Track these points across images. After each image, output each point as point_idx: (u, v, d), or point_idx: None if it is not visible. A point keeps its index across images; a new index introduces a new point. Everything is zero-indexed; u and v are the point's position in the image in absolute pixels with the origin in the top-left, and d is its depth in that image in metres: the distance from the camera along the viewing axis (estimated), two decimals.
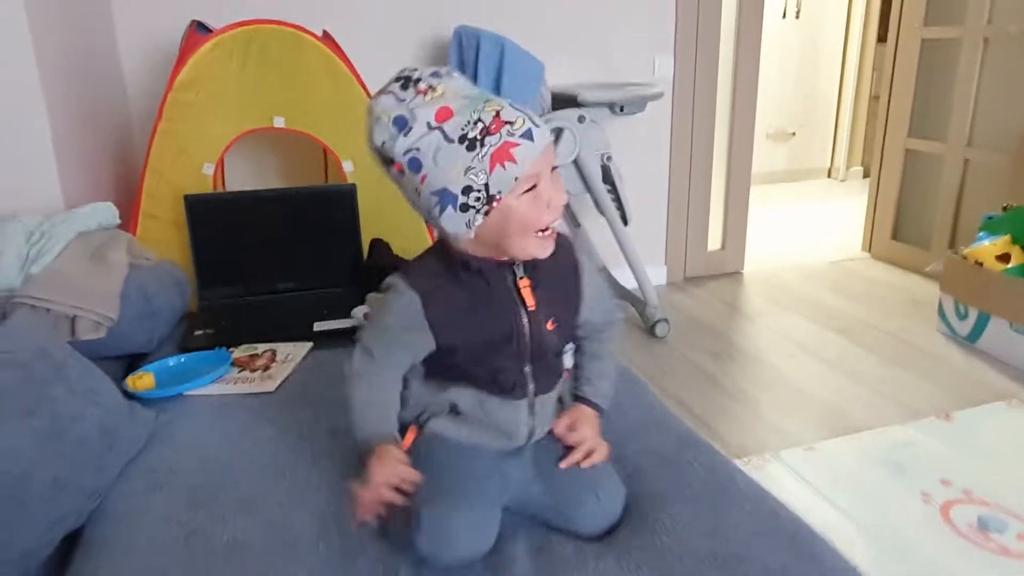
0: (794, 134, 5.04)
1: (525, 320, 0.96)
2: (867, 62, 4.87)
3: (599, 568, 0.88)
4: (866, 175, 4.96)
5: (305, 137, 2.00)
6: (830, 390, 2.24)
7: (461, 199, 0.86)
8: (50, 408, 0.99)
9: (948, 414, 2.07)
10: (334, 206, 1.86)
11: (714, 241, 3.29)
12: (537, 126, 0.87)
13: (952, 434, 1.97)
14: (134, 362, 1.53)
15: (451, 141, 0.85)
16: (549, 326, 0.98)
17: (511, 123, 0.85)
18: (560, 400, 1.09)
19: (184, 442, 1.19)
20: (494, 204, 0.86)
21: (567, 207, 2.89)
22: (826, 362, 2.43)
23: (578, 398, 1.08)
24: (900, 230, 3.38)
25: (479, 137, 0.85)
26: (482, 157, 0.84)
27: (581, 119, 2.46)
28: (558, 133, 2.42)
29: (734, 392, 2.25)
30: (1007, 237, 2.39)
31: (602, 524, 0.99)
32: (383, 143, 0.88)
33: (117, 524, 0.99)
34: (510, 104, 0.88)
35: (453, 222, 0.88)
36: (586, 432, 1.03)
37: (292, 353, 1.51)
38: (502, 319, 0.95)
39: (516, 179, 0.86)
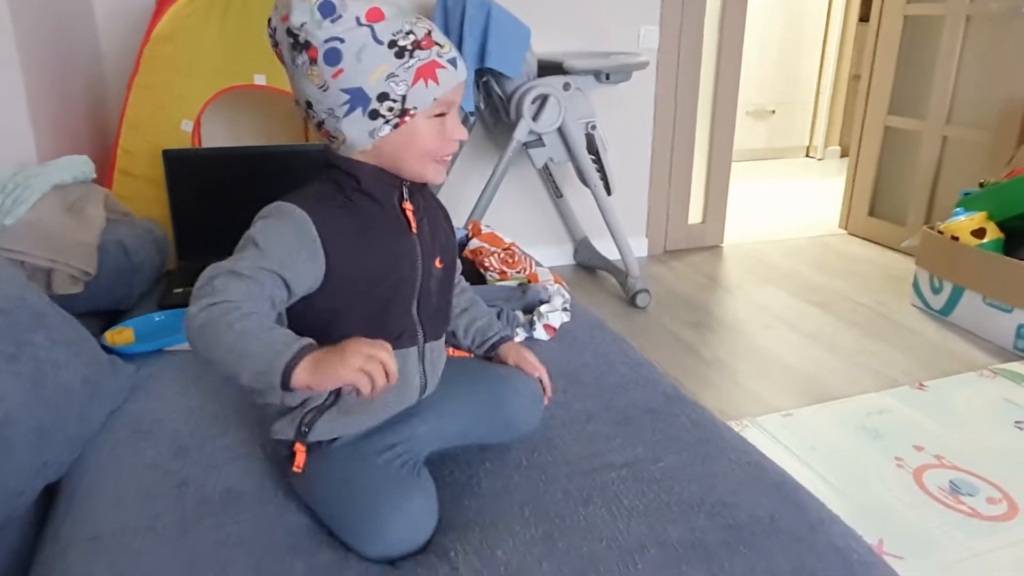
0: (774, 112, 5.06)
1: (418, 249, 0.92)
2: (848, 41, 4.89)
3: (590, 515, 0.89)
4: (844, 155, 5.01)
5: (286, 96, 1.96)
6: (807, 360, 2.28)
7: (373, 104, 0.83)
8: (32, 354, 0.97)
9: (922, 383, 2.11)
10: (317, 165, 1.82)
11: (695, 215, 3.31)
12: (460, 57, 0.88)
13: (925, 402, 2.01)
14: (112, 319, 1.50)
15: (380, 43, 0.82)
16: (437, 263, 0.96)
17: (440, 45, 0.86)
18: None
19: (167, 394, 1.17)
20: (406, 119, 0.85)
21: (550, 176, 2.88)
22: (803, 333, 2.46)
23: (491, 346, 1.08)
24: (877, 207, 3.42)
25: (409, 48, 0.83)
26: (408, 68, 0.83)
27: (566, 87, 2.45)
28: (543, 100, 2.41)
29: (713, 361, 2.28)
30: (983, 213, 2.43)
31: (534, 414, 1.01)
32: (302, 24, 0.82)
33: (103, 474, 0.98)
34: (438, 29, 0.88)
35: (357, 127, 0.85)
36: (530, 361, 1.05)
37: None
38: (394, 243, 0.91)
39: (435, 100, 0.85)
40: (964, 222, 2.44)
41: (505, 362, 1.05)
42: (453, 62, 0.86)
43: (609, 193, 2.61)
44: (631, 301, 2.65)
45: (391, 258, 0.90)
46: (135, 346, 1.33)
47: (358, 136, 0.85)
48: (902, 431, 1.86)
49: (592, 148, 2.57)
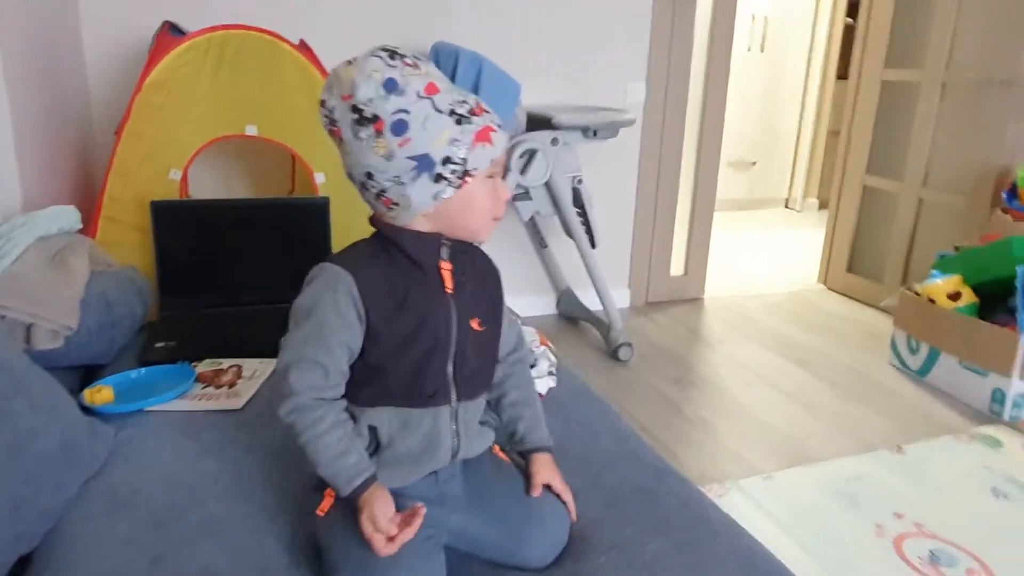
0: (754, 164, 5.16)
1: (452, 309, 0.96)
2: (827, 98, 5.02)
3: None
4: (822, 207, 5.11)
5: (274, 146, 1.96)
6: (787, 420, 2.29)
7: (439, 168, 0.89)
8: (12, 424, 0.94)
9: (900, 447, 2.13)
10: (306, 218, 1.83)
11: (677, 267, 3.34)
12: (501, 126, 0.95)
13: (903, 467, 2.02)
14: (90, 373, 1.47)
15: (440, 112, 0.89)
16: (475, 325, 0.99)
17: (489, 113, 0.94)
18: (483, 423, 1.07)
19: (146, 461, 1.14)
20: (467, 179, 0.91)
21: (535, 227, 2.90)
22: (783, 392, 2.48)
23: (527, 450, 1.07)
24: (855, 263, 3.48)
25: (467, 115, 0.90)
26: (467, 132, 0.90)
27: (555, 141, 2.48)
28: (531, 155, 2.43)
29: (695, 419, 2.28)
30: (958, 276, 2.48)
31: (550, 554, 0.99)
32: (370, 99, 0.88)
33: (76, 548, 0.95)
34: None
35: (422, 191, 0.90)
36: (559, 482, 1.04)
37: (259, 369, 1.47)
38: (428, 303, 0.95)
39: (491, 161, 0.92)
40: (940, 285, 2.49)
41: (534, 473, 1.03)
42: (501, 127, 0.93)
43: (594, 247, 2.63)
44: (613, 354, 2.65)
45: (424, 317, 0.95)
46: (114, 406, 1.30)
47: (423, 199, 0.91)
48: (881, 497, 1.87)
49: (578, 202, 2.59)
